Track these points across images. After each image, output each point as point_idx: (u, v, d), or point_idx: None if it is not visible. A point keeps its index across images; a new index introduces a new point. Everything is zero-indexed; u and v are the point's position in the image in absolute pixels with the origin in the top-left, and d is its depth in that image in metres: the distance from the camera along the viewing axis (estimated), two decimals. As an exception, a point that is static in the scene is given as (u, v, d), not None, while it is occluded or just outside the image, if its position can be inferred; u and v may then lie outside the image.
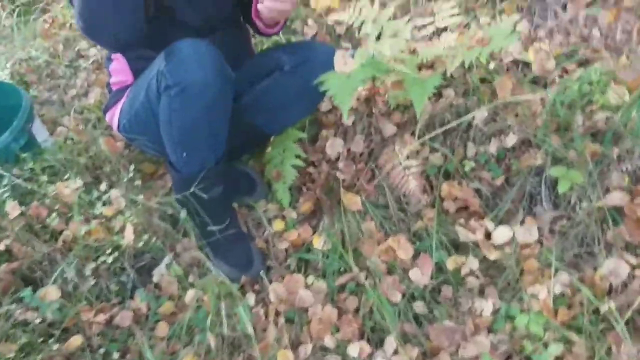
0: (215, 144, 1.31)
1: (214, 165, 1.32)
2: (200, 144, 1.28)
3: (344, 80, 1.28)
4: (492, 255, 1.25)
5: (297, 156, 1.56)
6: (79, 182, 1.55)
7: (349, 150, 1.63)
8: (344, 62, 1.32)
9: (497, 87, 1.43)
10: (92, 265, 1.43)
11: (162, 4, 1.26)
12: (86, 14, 1.13)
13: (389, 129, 1.58)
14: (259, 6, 1.26)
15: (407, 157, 1.33)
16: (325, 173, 1.59)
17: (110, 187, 1.56)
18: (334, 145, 1.64)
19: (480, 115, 1.20)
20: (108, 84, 1.52)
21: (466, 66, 1.26)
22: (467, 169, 1.44)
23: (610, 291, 1.15)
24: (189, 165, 1.30)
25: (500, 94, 1.42)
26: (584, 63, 1.42)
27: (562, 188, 1.28)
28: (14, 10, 2.91)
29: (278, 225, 1.57)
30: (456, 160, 1.45)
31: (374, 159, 1.58)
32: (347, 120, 1.56)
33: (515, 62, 1.56)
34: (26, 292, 1.28)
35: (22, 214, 1.42)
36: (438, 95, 1.55)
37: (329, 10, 1.91)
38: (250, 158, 1.74)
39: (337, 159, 1.63)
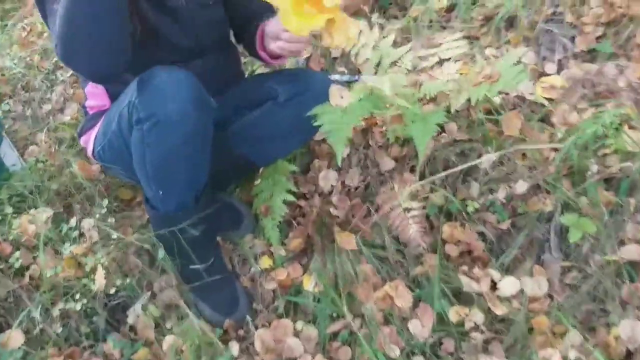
0: (195, 181, 1.19)
1: (195, 203, 1.21)
2: (177, 182, 1.16)
3: (339, 116, 1.18)
4: (499, 310, 1.16)
5: (288, 191, 1.45)
6: (48, 212, 1.42)
7: (343, 183, 1.53)
8: (340, 95, 1.22)
9: (504, 124, 1.34)
10: (61, 305, 1.30)
11: (147, 26, 1.15)
12: (67, 41, 0.99)
13: (387, 163, 1.48)
14: (273, 46, 1.16)
15: (408, 198, 1.24)
16: (318, 208, 1.48)
17: (83, 217, 1.44)
18: (327, 178, 1.54)
19: (487, 159, 1.11)
20: (84, 106, 1.40)
21: (472, 103, 1.16)
22: (470, 209, 1.35)
23: (628, 355, 1.06)
24: (166, 203, 1.19)
25: (507, 131, 1.33)
26: (596, 103, 1.34)
27: (573, 237, 1.19)
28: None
29: (265, 262, 1.46)
30: (458, 201, 1.36)
31: (370, 195, 1.49)
32: (342, 156, 1.45)
33: (521, 97, 1.47)
34: (-17, 342, 1.14)
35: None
36: (440, 129, 1.46)
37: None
38: (236, 187, 1.63)
39: (331, 192, 1.53)
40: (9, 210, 1.34)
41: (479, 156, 1.31)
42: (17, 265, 1.25)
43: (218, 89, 1.39)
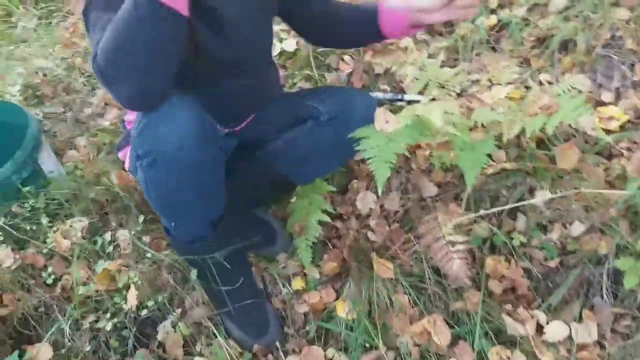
0: (207, 211, 1.15)
1: (212, 231, 1.17)
2: (186, 215, 1.12)
3: (383, 143, 1.13)
4: (545, 358, 1.09)
5: (324, 211, 1.40)
6: (84, 222, 1.41)
7: (382, 207, 1.48)
8: (385, 119, 1.17)
9: (557, 157, 1.27)
10: (92, 318, 1.29)
11: (196, 45, 1.11)
12: (113, 58, 0.89)
13: (429, 188, 1.43)
14: (443, 17, 1.16)
15: (452, 231, 1.18)
16: (354, 231, 1.44)
17: (118, 228, 1.43)
18: (365, 200, 1.49)
19: (542, 198, 1.05)
20: (123, 121, 1.39)
21: (528, 135, 1.10)
22: (516, 243, 1.28)
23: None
24: (181, 234, 1.16)
25: (560, 164, 1.26)
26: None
27: (628, 283, 1.12)
28: (35, 15, 2.80)
29: (298, 283, 1.42)
30: (504, 233, 1.29)
31: (410, 220, 1.43)
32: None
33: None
34: (12, 357, 1.13)
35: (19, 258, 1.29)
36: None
37: (375, 52, 1.78)
38: (271, 203, 1.60)
39: (369, 215, 1.48)
40: (44, 220, 1.33)
41: (530, 189, 1.24)
42: (49, 281, 1.24)
43: (257, 105, 1.35)
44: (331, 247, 1.45)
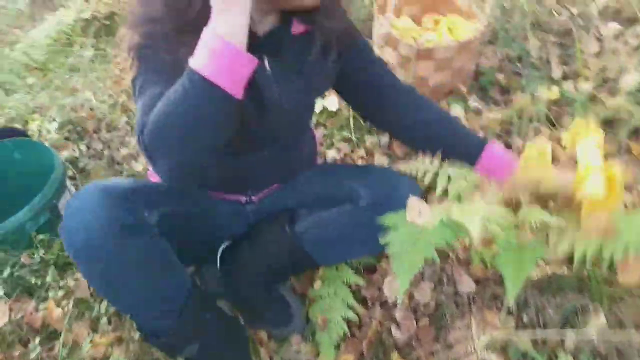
0: (152, 305, 1.03)
1: (177, 318, 1.06)
2: (130, 308, 1.03)
3: (412, 239, 0.99)
4: None
5: (350, 307, 1.27)
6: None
7: (411, 296, 1.33)
8: (418, 210, 1.04)
9: (619, 270, 1.09)
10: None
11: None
12: (161, 127, 0.83)
13: (467, 283, 1.27)
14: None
15: (487, 348, 1.02)
16: (377, 321, 1.29)
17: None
18: (393, 286, 1.34)
19: (596, 326, 0.88)
20: (147, 169, 1.32)
21: (576, 259, 0.93)
22: (561, 363, 1.10)
23: None
24: (140, 327, 1.07)
25: (621, 278, 1.08)
26: None
27: None
28: (92, 46, 2.87)
29: (310, 372, 1.28)
30: (549, 350, 1.11)
31: (441, 317, 1.27)
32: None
33: None
34: None
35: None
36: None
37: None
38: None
39: (396, 304, 1.33)
40: (50, 276, 1.26)
41: (581, 308, 1.07)
42: (33, 355, 1.16)
43: (279, 177, 1.26)
44: (350, 335, 1.31)
